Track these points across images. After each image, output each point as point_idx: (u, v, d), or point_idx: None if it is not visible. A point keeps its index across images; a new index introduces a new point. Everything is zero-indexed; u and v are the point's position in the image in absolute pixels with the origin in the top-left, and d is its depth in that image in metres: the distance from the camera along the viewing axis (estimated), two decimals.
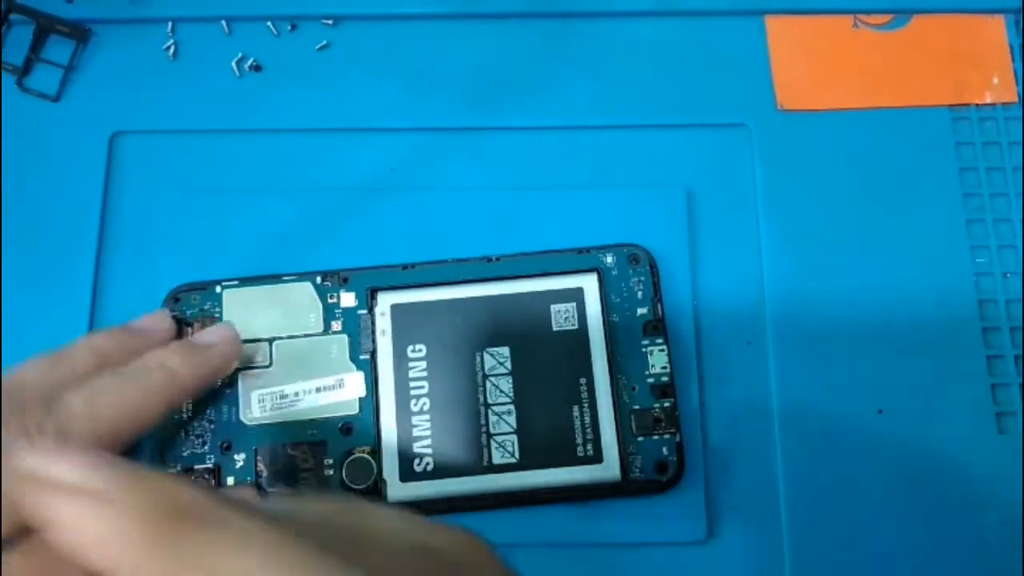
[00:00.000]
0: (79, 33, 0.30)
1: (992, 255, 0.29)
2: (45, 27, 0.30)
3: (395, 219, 0.28)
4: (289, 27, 0.30)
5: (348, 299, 0.26)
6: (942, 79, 0.30)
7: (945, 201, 0.29)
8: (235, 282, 0.27)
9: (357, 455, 0.25)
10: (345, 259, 0.28)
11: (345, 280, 0.27)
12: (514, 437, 0.25)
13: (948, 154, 0.30)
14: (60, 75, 0.30)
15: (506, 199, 0.29)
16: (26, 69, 0.30)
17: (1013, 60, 0.31)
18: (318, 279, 0.27)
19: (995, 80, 0.30)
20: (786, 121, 0.30)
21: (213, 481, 0.25)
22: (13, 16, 0.30)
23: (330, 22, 0.31)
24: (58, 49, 0.30)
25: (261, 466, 0.25)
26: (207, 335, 0.25)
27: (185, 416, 0.25)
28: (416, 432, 0.25)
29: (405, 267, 0.27)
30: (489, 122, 0.30)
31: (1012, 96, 0.30)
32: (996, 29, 0.31)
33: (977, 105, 0.30)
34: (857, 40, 0.31)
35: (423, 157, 0.29)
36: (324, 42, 0.30)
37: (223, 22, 0.30)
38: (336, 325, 0.26)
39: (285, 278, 0.27)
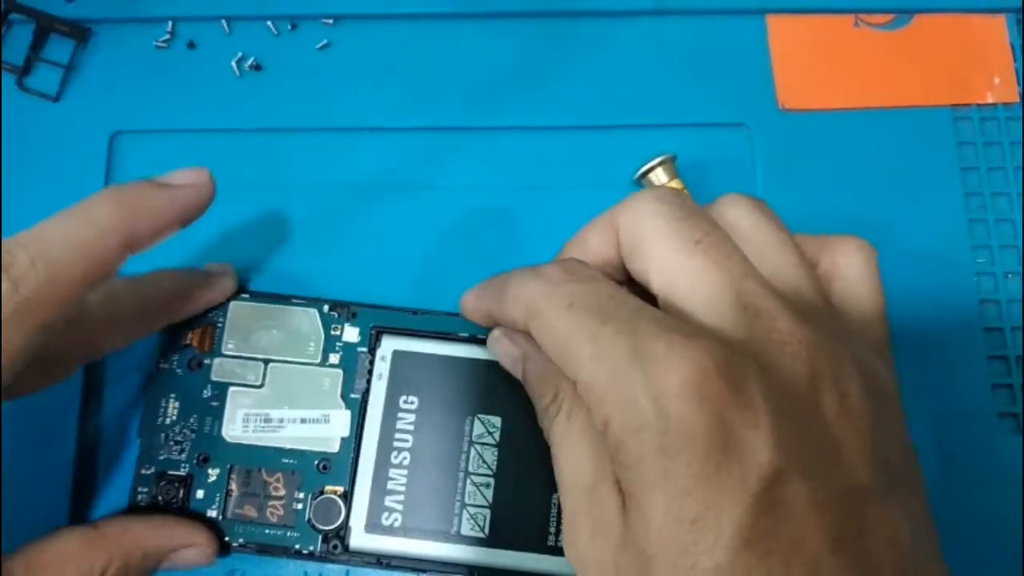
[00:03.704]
0: (79, 33, 0.29)
1: (993, 255, 0.28)
2: (45, 27, 0.28)
3: (394, 219, 0.27)
4: (289, 26, 0.29)
5: (351, 334, 0.25)
6: (943, 79, 0.29)
7: (946, 201, 0.28)
8: (245, 296, 0.25)
9: (328, 495, 0.24)
10: (342, 259, 0.27)
11: (354, 314, 0.25)
12: (487, 511, 0.24)
13: (949, 154, 0.28)
14: (60, 75, 0.28)
15: (506, 199, 0.28)
16: (26, 69, 0.28)
17: (1015, 60, 0.29)
18: (326, 307, 0.25)
19: (996, 80, 0.29)
20: (787, 121, 0.28)
21: (182, 492, 0.24)
22: (13, 16, 0.28)
23: (330, 21, 0.29)
24: (58, 49, 0.29)
25: (233, 485, 0.24)
26: (177, 176, 0.21)
27: (169, 420, 0.24)
28: (391, 485, 0.24)
29: (415, 312, 0.25)
30: (489, 122, 0.28)
31: (1013, 96, 0.29)
32: (997, 29, 0.29)
33: (979, 105, 0.29)
34: (858, 40, 0.29)
35: (423, 157, 0.28)
36: (324, 41, 0.29)
37: (223, 21, 0.29)
38: (334, 358, 0.25)
39: (294, 301, 0.25)
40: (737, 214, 0.19)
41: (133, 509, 0.24)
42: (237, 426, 0.24)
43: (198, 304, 0.25)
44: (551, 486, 0.23)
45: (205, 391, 0.25)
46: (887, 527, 0.16)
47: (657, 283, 0.18)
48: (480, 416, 0.24)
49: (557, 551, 0.23)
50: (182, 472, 0.24)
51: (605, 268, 0.19)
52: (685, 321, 0.17)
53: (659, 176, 0.27)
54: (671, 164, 0.27)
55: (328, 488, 0.24)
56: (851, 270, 0.20)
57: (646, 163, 0.27)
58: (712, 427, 0.15)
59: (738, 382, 0.15)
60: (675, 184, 0.27)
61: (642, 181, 0.27)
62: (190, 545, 0.23)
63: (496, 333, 0.22)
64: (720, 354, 0.16)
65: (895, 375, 0.19)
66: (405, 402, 0.24)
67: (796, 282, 0.18)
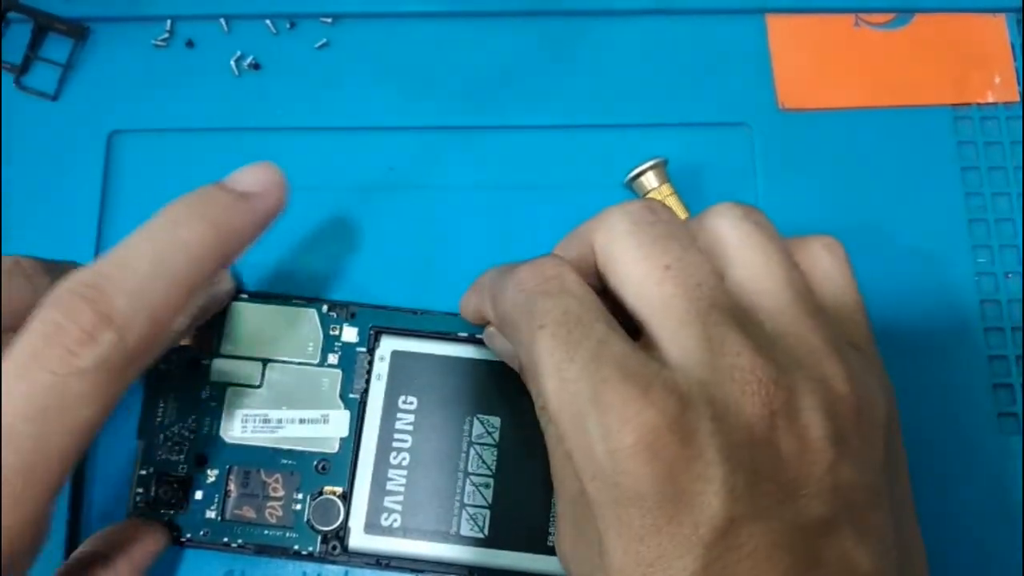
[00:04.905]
0: (77, 31, 0.28)
1: (994, 255, 0.27)
2: (43, 25, 0.28)
3: (393, 218, 0.27)
4: (288, 25, 0.29)
5: (350, 334, 0.25)
6: (944, 78, 0.29)
7: (946, 200, 0.28)
8: (244, 296, 0.25)
9: (327, 495, 0.24)
10: (341, 259, 0.26)
11: (352, 315, 0.25)
12: (487, 512, 0.23)
13: (950, 153, 0.28)
14: (58, 73, 0.28)
15: (506, 198, 0.27)
16: (24, 67, 0.28)
17: (1015, 59, 0.29)
18: (324, 308, 0.25)
19: (997, 79, 0.29)
20: (787, 120, 0.28)
21: (181, 492, 0.23)
22: (11, 14, 0.28)
23: (329, 20, 0.29)
24: (56, 47, 0.28)
25: (232, 486, 0.24)
26: (252, 179, 0.19)
27: (167, 421, 0.24)
28: (390, 486, 0.24)
29: (414, 311, 0.25)
30: (489, 121, 0.28)
31: (1014, 95, 0.28)
32: (998, 28, 0.29)
33: (979, 104, 0.28)
34: (859, 39, 0.29)
35: (423, 156, 0.28)
36: (323, 40, 0.29)
37: (222, 20, 0.29)
38: (333, 358, 0.24)
39: (293, 301, 0.25)
40: (726, 226, 0.19)
41: (132, 511, 0.24)
42: (236, 427, 0.24)
43: (205, 317, 0.24)
44: (550, 486, 0.23)
45: (203, 392, 0.24)
46: (844, 556, 0.16)
47: (629, 304, 0.18)
48: (479, 416, 0.24)
49: (555, 551, 0.23)
50: (181, 473, 0.24)
51: (584, 275, 0.19)
52: (647, 358, 0.17)
53: (650, 180, 0.26)
54: (662, 168, 0.27)
55: (327, 489, 0.24)
56: (820, 270, 0.19)
57: (636, 167, 0.26)
58: (663, 483, 0.15)
59: (690, 436, 0.16)
60: (665, 188, 0.26)
61: (632, 185, 0.27)
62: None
63: (491, 329, 0.22)
64: (673, 410, 0.16)
65: (879, 373, 0.19)
66: (404, 402, 0.24)
67: (778, 299, 0.18)
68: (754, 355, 0.16)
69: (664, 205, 0.19)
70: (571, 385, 0.16)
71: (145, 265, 0.16)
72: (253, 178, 0.19)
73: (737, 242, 0.18)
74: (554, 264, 0.18)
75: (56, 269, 0.20)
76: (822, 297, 0.19)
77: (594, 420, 0.16)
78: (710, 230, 0.19)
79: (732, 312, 0.17)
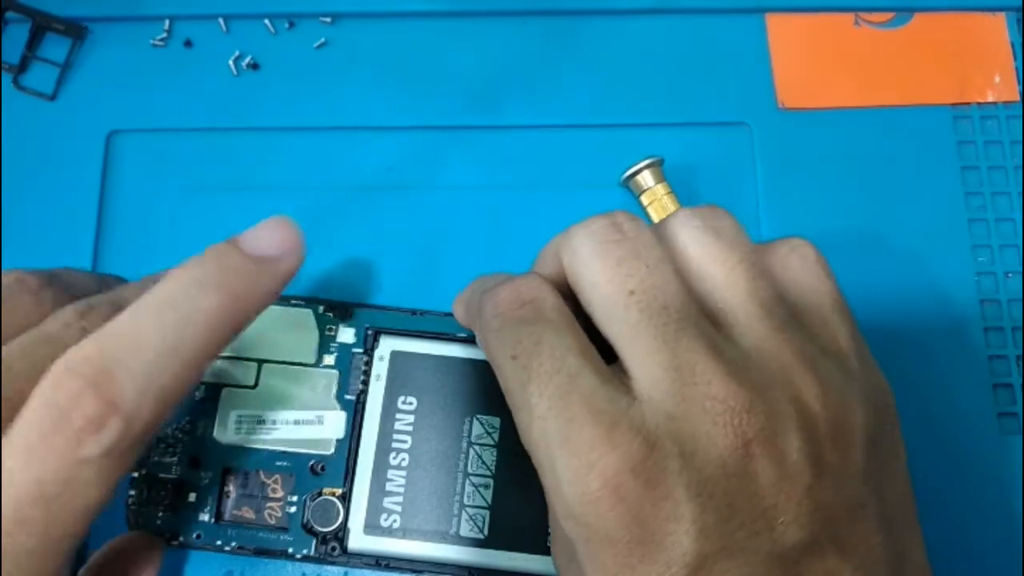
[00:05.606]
0: (75, 31, 0.28)
1: (994, 254, 0.27)
2: (41, 25, 0.28)
3: (393, 218, 0.27)
4: (287, 25, 0.29)
5: (346, 335, 0.24)
6: (944, 77, 0.29)
7: (946, 200, 0.28)
8: None
9: (326, 496, 0.23)
10: (339, 260, 0.26)
11: (350, 315, 0.25)
12: (486, 512, 0.23)
13: (950, 153, 0.28)
14: (56, 73, 0.28)
15: (506, 198, 0.27)
16: (22, 67, 0.28)
17: (1015, 58, 0.29)
18: (321, 308, 0.25)
19: (997, 78, 0.29)
20: (787, 119, 0.28)
21: (174, 495, 0.23)
22: (9, 14, 0.28)
23: (328, 20, 0.29)
24: (54, 47, 0.28)
25: (231, 486, 0.23)
26: (268, 240, 0.18)
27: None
28: (390, 486, 0.23)
29: (413, 312, 0.25)
30: (489, 120, 0.28)
31: (1014, 94, 0.28)
32: (998, 27, 0.29)
33: (979, 103, 0.28)
34: (858, 38, 0.29)
35: (422, 156, 0.28)
36: (322, 40, 0.29)
37: (220, 20, 0.28)
38: (329, 359, 0.24)
39: (291, 301, 0.25)
40: (683, 238, 0.18)
41: (128, 520, 0.23)
42: (230, 428, 0.24)
43: None
44: None
45: (197, 392, 0.24)
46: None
47: (599, 326, 0.17)
48: (479, 417, 0.24)
49: None
50: (173, 475, 0.23)
51: (561, 287, 0.18)
52: (615, 394, 0.16)
53: (645, 179, 0.26)
54: (657, 167, 0.26)
55: (327, 490, 0.24)
56: (789, 276, 0.18)
57: (632, 166, 0.26)
58: (631, 525, 0.15)
59: (656, 478, 0.15)
60: (660, 188, 0.26)
61: (628, 184, 0.27)
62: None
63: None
64: (638, 452, 0.15)
65: (863, 375, 0.18)
66: (404, 403, 0.24)
67: (745, 314, 0.17)
68: (726, 382, 0.16)
69: (632, 218, 0.18)
70: (540, 423, 0.16)
71: (157, 343, 0.15)
72: (271, 239, 0.18)
73: (698, 255, 0.18)
74: (532, 286, 0.18)
75: (57, 278, 0.19)
76: (794, 303, 0.18)
77: (562, 462, 0.16)
78: (671, 242, 0.18)
79: (701, 335, 0.16)
